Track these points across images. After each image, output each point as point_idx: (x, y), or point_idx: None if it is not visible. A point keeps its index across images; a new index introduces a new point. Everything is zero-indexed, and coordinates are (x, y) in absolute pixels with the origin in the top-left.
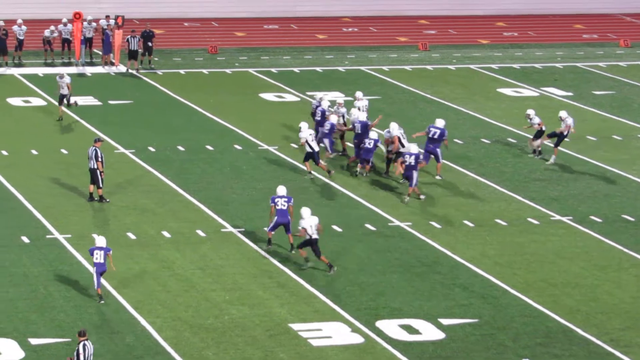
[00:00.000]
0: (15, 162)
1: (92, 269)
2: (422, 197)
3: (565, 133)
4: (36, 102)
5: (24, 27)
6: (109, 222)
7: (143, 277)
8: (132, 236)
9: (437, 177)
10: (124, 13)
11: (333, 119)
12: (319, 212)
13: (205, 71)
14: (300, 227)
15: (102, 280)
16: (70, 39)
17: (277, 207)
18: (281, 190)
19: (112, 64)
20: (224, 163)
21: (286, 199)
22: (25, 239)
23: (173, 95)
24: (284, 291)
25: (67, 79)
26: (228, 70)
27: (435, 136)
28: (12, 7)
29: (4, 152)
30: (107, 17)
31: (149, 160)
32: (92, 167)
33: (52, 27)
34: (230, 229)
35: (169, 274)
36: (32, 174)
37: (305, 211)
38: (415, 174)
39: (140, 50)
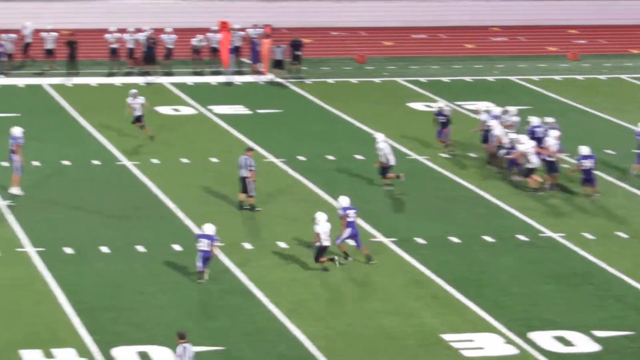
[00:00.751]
0: (166, 170)
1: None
2: (594, 197)
3: None
4: (185, 110)
5: (173, 36)
6: (260, 231)
7: (294, 286)
8: (283, 245)
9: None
10: (272, 22)
11: (498, 129)
12: (470, 222)
13: (353, 80)
14: (315, 232)
15: (258, 291)
16: (218, 47)
17: (349, 219)
18: (345, 200)
19: (261, 72)
20: (373, 172)
21: (354, 210)
22: (176, 247)
23: (322, 104)
24: (435, 301)
25: (141, 99)
26: (376, 80)
27: None
28: (161, 16)
29: (155, 161)
30: (255, 26)
31: (299, 169)
32: (243, 175)
33: (200, 36)
34: (381, 238)
35: (321, 283)
36: (182, 182)
37: (321, 216)
38: (593, 176)
39: (286, 59)
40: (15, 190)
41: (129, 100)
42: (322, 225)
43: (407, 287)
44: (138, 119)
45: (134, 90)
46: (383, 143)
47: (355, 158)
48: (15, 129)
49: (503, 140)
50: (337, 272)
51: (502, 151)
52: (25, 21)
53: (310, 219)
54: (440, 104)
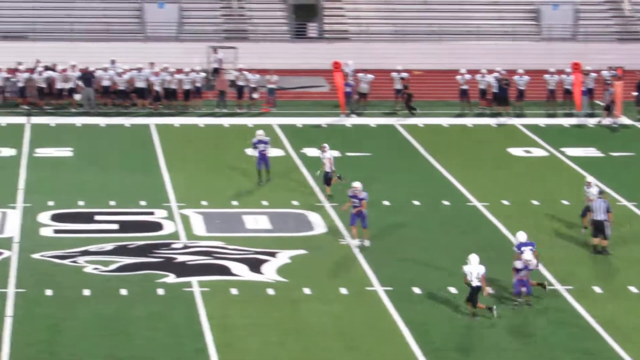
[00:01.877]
0: (516, 212)
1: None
2: None
3: None
4: (537, 152)
5: (525, 77)
6: (611, 275)
7: None
8: (634, 290)
9: None
10: (626, 64)
11: None
12: None
13: None
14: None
15: None
16: (571, 89)
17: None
18: (523, 236)
19: (614, 115)
20: None
21: (531, 246)
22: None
23: None
24: None
25: (328, 154)
26: None
27: None
28: (512, 58)
29: (505, 202)
30: (610, 68)
31: None
32: (598, 218)
33: (553, 71)
34: None
35: None
36: (533, 224)
37: (473, 258)
38: None
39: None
40: (366, 242)
41: (320, 153)
42: (470, 266)
43: None
44: (326, 176)
45: (324, 145)
46: (595, 187)
47: None
48: None
49: None
50: None
51: None
52: (373, 61)
53: None
54: None
